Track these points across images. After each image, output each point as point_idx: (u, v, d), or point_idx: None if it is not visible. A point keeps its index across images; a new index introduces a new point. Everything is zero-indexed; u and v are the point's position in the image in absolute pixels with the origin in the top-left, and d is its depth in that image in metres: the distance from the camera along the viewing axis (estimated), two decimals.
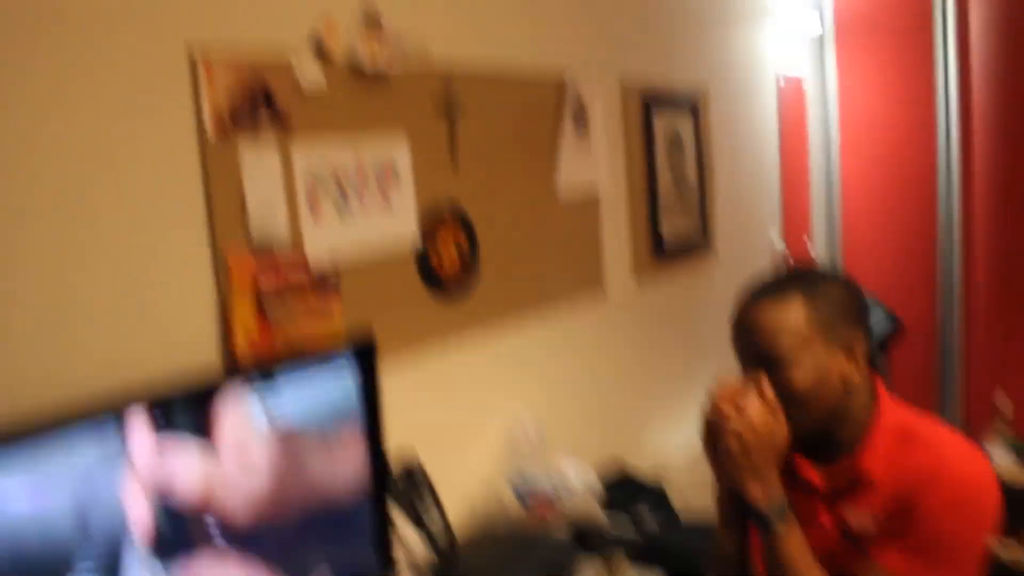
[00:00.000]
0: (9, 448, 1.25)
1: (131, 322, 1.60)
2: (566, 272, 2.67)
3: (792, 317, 1.50)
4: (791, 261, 3.95)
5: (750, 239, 3.87)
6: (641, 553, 2.06)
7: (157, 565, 1.41)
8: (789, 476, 1.58)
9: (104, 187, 1.55)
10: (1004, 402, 3.61)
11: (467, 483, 2.29)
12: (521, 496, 2.18)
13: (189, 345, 1.69)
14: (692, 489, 3.00)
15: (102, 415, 1.35)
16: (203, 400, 1.49)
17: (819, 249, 4.29)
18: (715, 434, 1.54)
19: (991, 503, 1.48)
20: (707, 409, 1.55)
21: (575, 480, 2.27)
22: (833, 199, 4.27)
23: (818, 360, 1.50)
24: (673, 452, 3.11)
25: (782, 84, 3.99)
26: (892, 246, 4.10)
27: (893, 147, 4.05)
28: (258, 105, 1.77)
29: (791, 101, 4.08)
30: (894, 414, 1.57)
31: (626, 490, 2.54)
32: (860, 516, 1.54)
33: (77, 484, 1.31)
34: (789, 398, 1.50)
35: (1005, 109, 3.64)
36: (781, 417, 1.51)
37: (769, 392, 1.51)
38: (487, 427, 2.37)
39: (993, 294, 3.80)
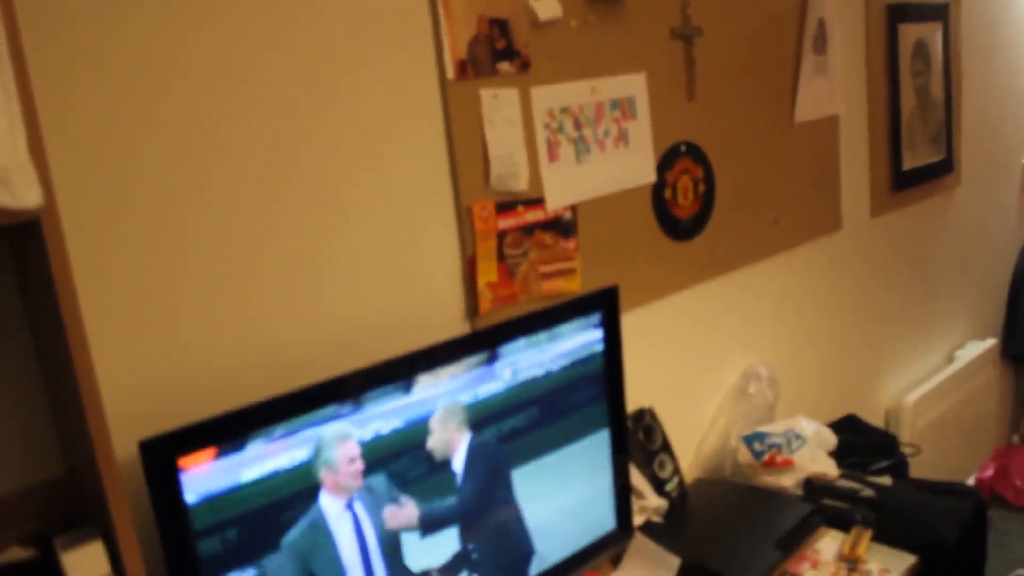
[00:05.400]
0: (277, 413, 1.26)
1: (380, 278, 1.58)
2: (801, 207, 2.48)
3: None
4: None
5: (999, 164, 3.50)
6: (878, 516, 1.94)
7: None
8: None
9: (349, 132, 1.52)
10: None
11: (696, 431, 2.22)
12: (752, 447, 2.09)
13: (434, 300, 1.67)
14: (925, 440, 2.84)
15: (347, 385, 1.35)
16: (449, 358, 1.46)
17: None
18: None
19: None
20: None
21: (808, 432, 2.15)
22: None
23: None
24: (906, 400, 2.92)
25: None
26: None
27: None
28: (496, 41, 1.69)
29: None
30: None
31: (857, 442, 2.41)
32: None
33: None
34: None
35: None
36: None
37: None
38: (719, 372, 2.28)
39: None
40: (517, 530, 1.62)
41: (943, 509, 2.03)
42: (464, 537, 1.52)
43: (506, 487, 1.58)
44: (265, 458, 1.24)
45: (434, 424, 1.45)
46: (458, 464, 1.50)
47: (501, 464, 1.57)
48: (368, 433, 1.36)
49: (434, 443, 1.46)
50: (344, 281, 1.53)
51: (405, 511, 1.43)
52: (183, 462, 1.17)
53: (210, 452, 1.19)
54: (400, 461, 1.41)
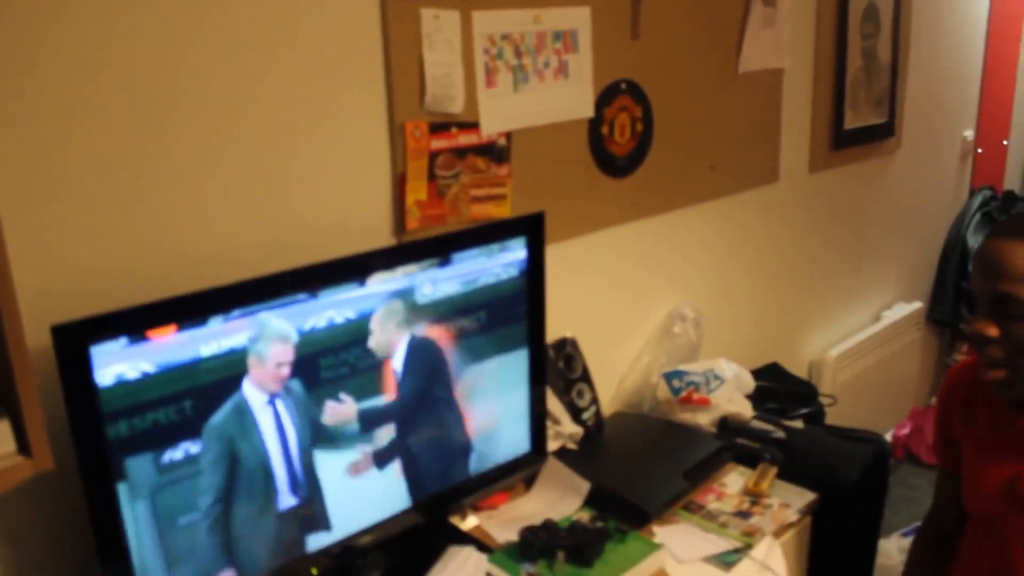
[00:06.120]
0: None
1: (310, 188, 1.60)
2: (739, 156, 2.53)
3: None
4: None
5: (939, 134, 3.58)
6: (785, 456, 2.01)
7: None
8: (992, 417, 1.51)
9: (288, 45, 1.52)
10: None
11: (619, 367, 2.27)
12: (672, 384, 2.15)
13: (363, 214, 1.69)
14: (845, 395, 2.92)
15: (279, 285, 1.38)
16: (373, 272, 1.49)
17: (1016, 156, 3.94)
18: None
19: None
20: None
21: (728, 374, 2.22)
22: None
23: None
24: (829, 354, 3.00)
25: None
26: None
27: None
28: None
29: None
30: None
31: (777, 389, 2.48)
32: None
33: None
34: (1022, 349, 1.38)
35: None
36: None
37: None
38: (645, 311, 2.33)
39: None
40: (455, 430, 1.68)
41: (846, 452, 2.11)
42: (401, 432, 1.58)
43: (445, 387, 1.64)
44: (200, 341, 1.29)
45: (374, 324, 1.50)
46: (398, 363, 1.55)
47: (439, 364, 1.62)
48: (308, 326, 1.40)
49: (375, 342, 1.51)
50: (273, 186, 1.54)
51: (344, 407, 1.49)
52: (98, 348, 1.19)
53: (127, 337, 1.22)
54: (340, 357, 1.46)
